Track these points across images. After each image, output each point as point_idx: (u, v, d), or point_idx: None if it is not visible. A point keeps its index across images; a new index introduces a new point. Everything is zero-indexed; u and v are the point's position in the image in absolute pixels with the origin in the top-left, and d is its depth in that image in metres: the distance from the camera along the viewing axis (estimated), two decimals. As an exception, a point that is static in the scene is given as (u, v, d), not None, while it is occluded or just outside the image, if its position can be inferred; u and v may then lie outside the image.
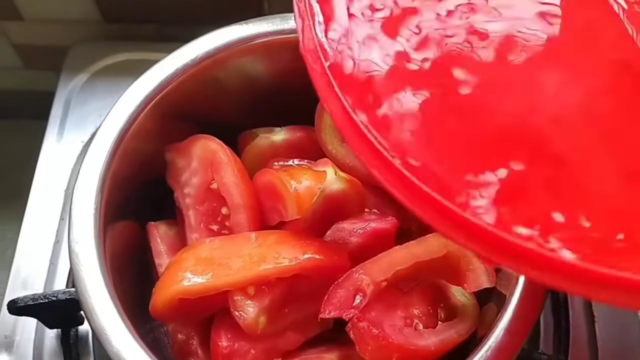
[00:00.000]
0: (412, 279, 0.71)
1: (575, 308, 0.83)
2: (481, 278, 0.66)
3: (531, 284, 0.60)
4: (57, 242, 0.87)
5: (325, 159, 0.74)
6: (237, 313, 0.64)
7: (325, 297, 0.66)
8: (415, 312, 0.69)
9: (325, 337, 0.70)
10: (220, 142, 0.72)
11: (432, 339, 0.67)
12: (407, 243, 0.69)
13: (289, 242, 0.67)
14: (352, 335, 0.64)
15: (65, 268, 0.85)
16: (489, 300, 0.71)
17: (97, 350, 0.79)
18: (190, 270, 0.64)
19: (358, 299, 0.66)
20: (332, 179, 0.69)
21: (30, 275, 0.85)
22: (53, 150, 0.96)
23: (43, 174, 0.94)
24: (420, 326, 0.68)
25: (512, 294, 0.61)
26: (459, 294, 0.72)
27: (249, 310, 0.64)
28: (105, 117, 0.68)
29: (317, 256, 0.65)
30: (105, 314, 0.59)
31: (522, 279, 0.61)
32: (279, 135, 0.78)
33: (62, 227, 0.89)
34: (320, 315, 0.65)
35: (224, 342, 0.66)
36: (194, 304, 0.64)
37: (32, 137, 1.03)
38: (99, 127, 0.68)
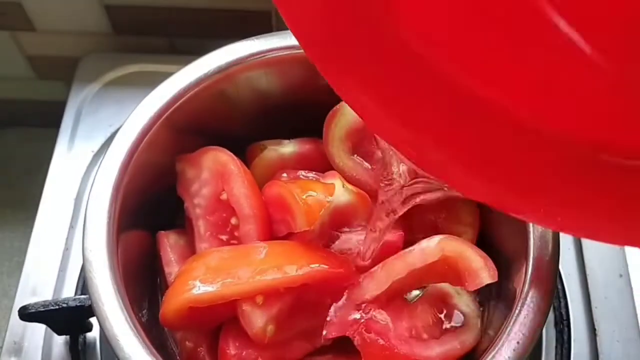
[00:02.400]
0: (412, 287, 0.73)
1: (577, 322, 0.84)
2: (482, 275, 0.67)
3: (534, 297, 0.61)
4: (67, 250, 0.89)
5: (333, 171, 0.75)
6: (245, 322, 0.65)
7: (327, 317, 0.67)
8: (420, 323, 0.70)
9: (332, 346, 0.71)
10: (231, 153, 0.73)
11: (436, 350, 0.68)
12: (401, 252, 0.69)
13: (297, 253, 0.68)
14: (358, 346, 0.65)
15: (74, 275, 0.86)
16: (493, 313, 0.73)
17: (104, 356, 0.81)
18: (200, 279, 0.65)
19: (358, 316, 0.67)
20: (340, 192, 0.71)
21: (40, 282, 0.86)
22: (63, 159, 0.98)
23: (53, 182, 0.96)
24: (425, 336, 0.69)
25: (515, 307, 0.62)
26: (463, 305, 0.73)
27: (257, 319, 0.65)
28: (119, 129, 0.70)
29: (325, 267, 0.66)
30: (117, 321, 0.60)
31: (521, 301, 0.62)
32: (288, 148, 0.79)
33: (71, 235, 0.90)
34: (324, 336, 0.66)
35: (232, 350, 0.67)
36: (203, 312, 0.65)
37: (43, 146, 1.05)
38: (113, 138, 0.69)
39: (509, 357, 0.59)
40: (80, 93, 1.03)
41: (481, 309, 0.75)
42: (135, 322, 0.60)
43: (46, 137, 1.04)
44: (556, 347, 0.82)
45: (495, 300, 0.74)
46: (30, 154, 1.24)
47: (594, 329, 0.84)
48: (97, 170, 0.67)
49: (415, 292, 0.76)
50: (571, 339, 0.83)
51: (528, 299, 0.62)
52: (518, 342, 0.59)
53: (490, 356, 0.59)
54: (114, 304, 0.61)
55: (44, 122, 1.17)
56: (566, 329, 0.83)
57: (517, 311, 0.61)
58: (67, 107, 1.02)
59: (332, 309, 0.67)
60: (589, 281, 0.87)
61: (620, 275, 0.88)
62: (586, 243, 0.90)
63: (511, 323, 0.61)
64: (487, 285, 0.72)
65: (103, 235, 0.64)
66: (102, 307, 0.60)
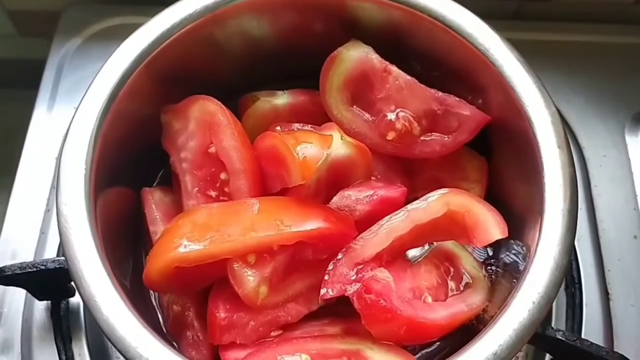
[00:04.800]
0: (415, 245, 0.68)
1: (589, 285, 0.80)
2: (491, 230, 0.62)
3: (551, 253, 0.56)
4: (48, 211, 0.84)
5: (330, 123, 0.70)
6: (236, 282, 0.61)
7: (325, 276, 0.62)
8: (424, 283, 0.66)
9: (329, 310, 0.66)
10: (219, 103, 0.68)
11: (442, 312, 0.63)
12: (403, 207, 0.65)
13: (292, 209, 0.63)
14: (357, 307, 0.61)
15: (56, 238, 0.81)
16: (503, 275, 0.68)
17: (88, 323, 0.76)
18: (186, 237, 0.61)
19: (360, 274, 0.63)
20: (338, 144, 0.65)
21: (20, 245, 0.82)
22: (44, 118, 0.92)
23: (33, 142, 0.91)
24: (429, 299, 0.65)
25: (527, 269, 0.57)
26: (469, 266, 0.69)
27: (248, 280, 0.61)
28: (96, 75, 0.64)
29: (323, 224, 0.62)
30: (94, 279, 0.55)
31: (536, 257, 0.57)
32: (282, 99, 0.74)
33: (53, 195, 0.84)
34: (321, 296, 0.62)
35: (221, 313, 0.62)
36: (190, 272, 0.61)
37: (23, 107, 0.99)
38: (90, 85, 0.64)
39: (523, 319, 0.54)
40: (61, 48, 0.97)
41: (490, 269, 0.70)
42: (115, 281, 0.55)
43: (27, 98, 0.98)
44: (567, 311, 0.78)
45: (506, 260, 0.69)
46: (9, 116, 1.18)
47: (607, 293, 0.79)
48: (73, 117, 0.61)
49: (418, 252, 0.72)
50: (583, 303, 0.78)
51: (543, 255, 0.57)
52: (533, 302, 0.54)
53: (503, 317, 0.54)
54: (91, 262, 0.56)
55: (26, 83, 1.11)
56: (578, 292, 0.78)
57: (531, 269, 0.56)
58: (47, 63, 0.97)
59: (329, 268, 0.63)
60: (602, 243, 0.82)
61: (635, 237, 0.83)
62: (598, 202, 0.85)
63: (525, 281, 0.56)
64: (497, 243, 0.68)
65: (80, 187, 0.59)
66: (78, 264, 0.55)
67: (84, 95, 0.63)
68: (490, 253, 0.72)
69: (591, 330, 0.77)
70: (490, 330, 0.54)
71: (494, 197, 0.71)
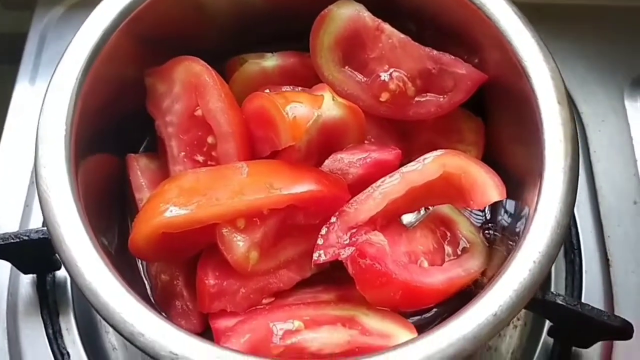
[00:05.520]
0: (410, 209, 0.66)
1: (588, 251, 0.78)
2: (489, 192, 0.60)
3: (551, 211, 0.54)
4: (32, 184, 0.81)
5: (322, 84, 0.68)
6: (225, 248, 0.59)
7: (318, 239, 0.61)
8: (420, 248, 0.64)
9: (323, 276, 0.64)
10: (205, 64, 0.65)
11: (439, 277, 0.62)
12: (398, 170, 0.63)
13: (283, 172, 0.61)
14: (351, 272, 0.59)
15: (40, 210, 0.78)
16: (502, 239, 0.66)
17: (76, 296, 0.74)
18: (173, 202, 0.58)
19: (353, 237, 0.61)
20: (329, 105, 0.63)
21: (3, 218, 0.79)
22: (26, 91, 0.90)
23: (16, 115, 0.88)
24: (425, 263, 0.63)
25: (527, 229, 0.55)
26: (466, 230, 0.67)
27: (238, 245, 0.59)
28: (75, 35, 0.62)
29: (315, 187, 0.60)
30: (76, 244, 0.53)
31: (536, 216, 0.55)
32: (271, 61, 0.72)
33: (37, 167, 0.82)
34: (314, 260, 0.60)
35: (211, 280, 0.60)
36: (177, 239, 0.59)
37: (5, 82, 0.96)
38: (68, 45, 0.61)
39: (524, 279, 0.52)
40: (43, 18, 0.94)
41: (488, 233, 0.68)
42: (98, 246, 0.53)
43: (11, 73, 0.96)
44: (566, 278, 0.76)
45: (503, 223, 0.67)
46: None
47: (607, 259, 0.77)
48: (51, 77, 0.58)
49: (414, 218, 0.70)
50: (582, 269, 0.76)
51: (544, 214, 0.55)
52: (534, 262, 0.52)
53: (502, 278, 0.52)
54: (72, 226, 0.53)
55: (10, 58, 1.08)
56: (577, 259, 0.76)
57: (531, 228, 0.54)
58: (29, 34, 0.94)
59: (322, 232, 0.61)
60: (601, 209, 0.80)
61: (635, 203, 0.81)
62: (597, 167, 0.83)
63: (525, 240, 0.54)
64: (495, 206, 0.66)
65: (60, 149, 0.56)
66: (58, 228, 0.53)
67: (62, 54, 0.60)
68: (488, 216, 0.70)
69: (591, 297, 0.75)
70: (490, 291, 0.52)
71: (490, 159, 0.69)
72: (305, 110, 0.60)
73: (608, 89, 0.89)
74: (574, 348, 0.72)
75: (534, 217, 0.54)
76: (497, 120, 0.69)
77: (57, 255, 0.53)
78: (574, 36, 0.91)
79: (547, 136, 0.58)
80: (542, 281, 0.52)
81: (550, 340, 0.72)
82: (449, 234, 0.67)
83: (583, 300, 0.75)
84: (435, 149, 0.65)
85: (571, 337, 0.70)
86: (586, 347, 0.70)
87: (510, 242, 0.63)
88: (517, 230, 0.61)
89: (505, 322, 0.51)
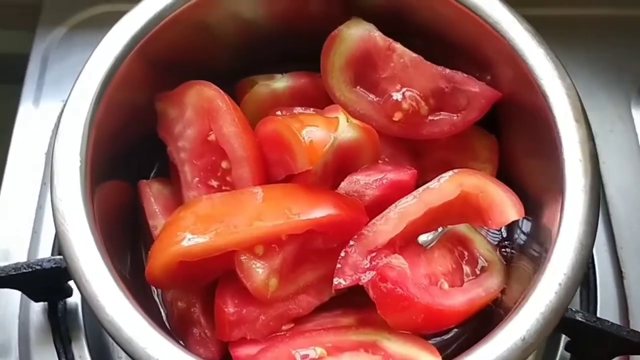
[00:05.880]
0: (428, 229, 0.66)
1: (602, 265, 0.77)
2: (507, 211, 0.60)
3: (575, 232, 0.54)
4: (40, 208, 0.80)
5: (334, 105, 0.67)
6: (244, 275, 0.58)
7: (337, 265, 0.60)
8: (439, 269, 0.63)
9: (341, 300, 0.63)
10: (217, 88, 0.65)
11: (459, 298, 0.61)
12: (415, 191, 0.62)
13: (300, 196, 0.60)
14: (372, 297, 0.58)
15: (49, 236, 0.78)
16: (520, 257, 0.66)
17: (88, 323, 0.73)
18: (190, 230, 0.58)
19: (373, 261, 0.60)
20: (344, 127, 0.62)
21: (12, 245, 0.78)
22: (31, 111, 0.89)
23: (21, 138, 0.87)
24: (446, 285, 0.62)
25: (550, 250, 0.54)
26: (483, 249, 0.67)
27: (257, 272, 0.58)
28: (86, 62, 0.61)
29: (334, 210, 0.59)
30: (96, 278, 0.52)
31: (559, 238, 0.54)
32: (281, 82, 0.71)
33: (44, 192, 0.81)
34: (334, 286, 0.59)
35: (230, 308, 0.59)
36: (195, 267, 0.58)
37: (8, 103, 0.95)
38: (80, 73, 0.60)
39: (550, 302, 0.51)
40: (45, 38, 0.93)
41: (505, 251, 0.68)
42: (118, 279, 0.52)
43: (13, 94, 0.94)
44: (581, 292, 0.75)
45: (520, 241, 0.67)
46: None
47: (621, 272, 0.77)
48: (64, 107, 0.58)
49: (429, 237, 0.70)
50: (597, 283, 0.76)
51: (567, 235, 0.54)
52: (560, 284, 0.52)
53: (528, 301, 0.52)
54: (91, 259, 0.53)
55: (11, 79, 1.07)
56: (592, 272, 0.76)
57: (555, 249, 0.54)
58: (31, 55, 0.93)
59: (341, 257, 0.60)
60: (612, 220, 0.80)
61: (647, 212, 0.81)
62: (607, 178, 0.82)
63: (550, 263, 0.53)
64: (511, 224, 0.65)
65: (76, 181, 0.55)
66: (78, 262, 0.52)
67: (75, 83, 0.60)
68: (504, 235, 0.70)
69: (606, 310, 0.75)
70: (516, 315, 0.51)
71: (505, 176, 0.69)
72: (321, 134, 0.60)
73: (615, 98, 0.89)
74: (591, 363, 0.71)
75: (557, 239, 0.54)
76: (511, 137, 0.69)
77: (71, 284, 0.52)
78: (579, 46, 0.91)
79: (567, 155, 0.57)
80: (568, 303, 0.52)
81: (567, 354, 0.71)
82: (466, 253, 0.66)
83: (599, 313, 0.74)
84: (449, 167, 0.65)
85: (588, 352, 0.70)
86: (604, 361, 0.70)
87: (530, 261, 0.62)
88: (537, 249, 0.61)
89: (533, 346, 0.50)
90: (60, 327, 0.72)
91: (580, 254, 0.53)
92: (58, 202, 0.54)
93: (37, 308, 0.74)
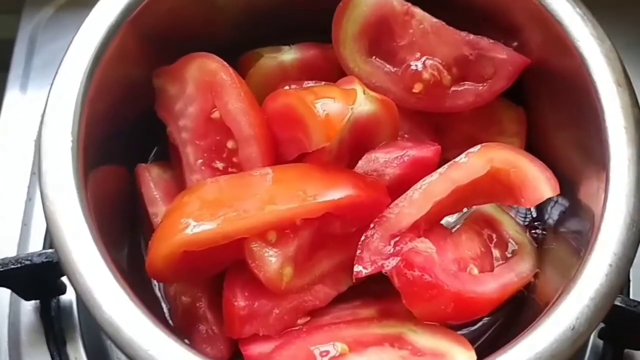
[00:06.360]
0: (454, 210, 0.61)
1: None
2: (541, 188, 0.56)
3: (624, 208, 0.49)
4: (29, 200, 0.76)
5: (347, 77, 0.62)
6: (256, 265, 0.53)
7: (357, 250, 0.55)
8: (468, 253, 0.59)
9: (359, 289, 0.59)
10: (221, 60, 0.60)
11: (492, 285, 0.57)
12: (441, 168, 0.58)
13: (315, 177, 0.55)
14: (397, 285, 0.53)
15: (40, 229, 0.73)
16: (553, 238, 0.61)
17: (83, 322, 0.68)
18: (194, 216, 0.53)
19: (397, 246, 0.55)
20: (361, 99, 0.57)
21: (1, 239, 0.73)
22: (18, 98, 0.84)
23: (8, 126, 0.82)
24: (475, 270, 0.57)
25: (596, 230, 0.49)
26: (512, 230, 0.62)
27: (270, 261, 0.53)
28: (75, 35, 0.56)
29: (353, 191, 0.54)
30: (92, 272, 0.47)
31: (606, 214, 0.49)
32: (289, 55, 0.66)
33: (33, 182, 0.77)
34: (355, 274, 0.54)
35: (240, 301, 0.54)
36: (201, 257, 0.53)
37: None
38: (69, 46, 0.55)
39: (600, 285, 0.46)
40: (31, 20, 0.88)
41: (535, 232, 0.63)
42: (116, 273, 0.47)
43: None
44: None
45: (551, 221, 0.62)
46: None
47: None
48: (52, 82, 0.52)
49: (453, 219, 0.65)
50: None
51: (615, 211, 0.49)
52: (610, 265, 0.47)
53: (576, 286, 0.47)
54: (86, 252, 0.47)
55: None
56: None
57: (602, 227, 0.49)
58: (18, 37, 0.88)
59: (361, 242, 0.55)
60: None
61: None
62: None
63: (597, 242, 0.48)
64: (542, 203, 0.60)
65: (68, 165, 0.50)
66: (71, 255, 0.47)
67: (63, 57, 0.55)
68: (534, 214, 0.65)
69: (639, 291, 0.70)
70: (563, 301, 0.46)
71: (533, 151, 0.63)
72: (338, 106, 0.55)
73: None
74: (626, 350, 0.67)
75: (604, 215, 0.49)
76: (541, 109, 0.64)
77: (65, 280, 0.47)
78: (621, 7, 0.84)
79: (609, 123, 0.52)
80: (621, 286, 0.47)
81: (600, 342, 0.67)
82: (494, 235, 0.62)
83: (631, 295, 0.70)
84: (473, 143, 0.60)
85: (624, 339, 0.65)
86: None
87: (567, 242, 0.57)
88: (575, 228, 0.56)
89: (584, 336, 0.45)
90: (54, 328, 0.68)
91: (630, 231, 0.48)
92: (48, 189, 0.49)
93: (28, 307, 0.69)
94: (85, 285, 0.46)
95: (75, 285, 0.46)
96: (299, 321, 0.56)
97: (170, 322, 0.62)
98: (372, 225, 0.56)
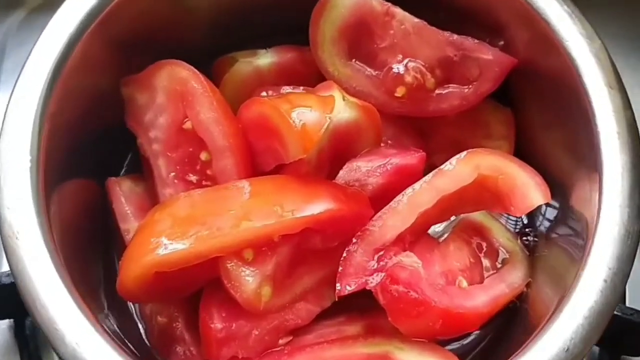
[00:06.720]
0: (439, 220, 0.59)
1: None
2: (532, 195, 0.53)
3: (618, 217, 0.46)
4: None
5: (328, 81, 0.60)
6: (232, 285, 0.50)
7: (339, 267, 0.52)
8: (456, 264, 0.56)
9: (343, 304, 0.56)
10: (192, 68, 0.57)
11: (482, 298, 0.54)
12: (426, 176, 0.55)
13: (293, 190, 0.53)
14: (382, 302, 0.51)
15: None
16: (545, 246, 0.58)
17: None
18: (166, 235, 0.50)
19: (381, 261, 0.52)
20: (340, 106, 0.55)
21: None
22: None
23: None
24: (464, 283, 0.55)
25: (590, 240, 0.47)
26: (503, 238, 0.60)
27: (247, 281, 0.51)
28: (35, 43, 0.53)
29: (333, 205, 0.52)
30: (54, 302, 0.44)
31: (600, 225, 0.47)
32: (265, 59, 0.64)
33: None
34: (337, 294, 0.52)
35: (217, 323, 0.52)
36: (174, 277, 0.51)
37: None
38: (28, 55, 0.52)
39: (595, 302, 0.44)
40: (2, 24, 0.85)
41: (526, 239, 0.61)
42: (81, 302, 0.44)
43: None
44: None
45: (542, 228, 0.60)
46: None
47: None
48: (10, 98, 0.49)
49: (440, 227, 0.62)
50: None
51: (609, 221, 0.47)
52: (605, 280, 0.44)
53: (569, 303, 0.44)
54: (48, 280, 0.45)
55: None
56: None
57: (595, 239, 0.46)
58: (-14, 42, 0.85)
59: (344, 257, 0.52)
60: None
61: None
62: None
63: (590, 256, 0.46)
64: (535, 211, 0.57)
65: (26, 185, 0.47)
66: (30, 284, 0.44)
67: (22, 69, 0.52)
68: (525, 221, 0.63)
69: (635, 299, 0.68)
70: (556, 321, 0.44)
71: (522, 155, 0.61)
72: (315, 115, 0.52)
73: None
74: (622, 356, 0.65)
75: (597, 227, 0.46)
76: (530, 110, 0.62)
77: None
78: (614, 6, 0.81)
79: (602, 128, 0.50)
80: (617, 303, 0.44)
81: (596, 348, 0.65)
82: (484, 244, 0.59)
83: (627, 304, 0.67)
84: (459, 147, 0.58)
85: (621, 345, 0.63)
86: (637, 354, 0.64)
87: (560, 249, 0.55)
88: (568, 235, 0.54)
89: (579, 357, 0.43)
90: (29, 346, 0.66)
91: (625, 244, 0.46)
92: (5, 211, 0.46)
93: (2, 326, 0.67)
94: (46, 316, 0.43)
95: (36, 317, 0.44)
96: (281, 341, 0.54)
97: (146, 342, 0.59)
98: (354, 240, 0.53)
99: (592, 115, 0.50)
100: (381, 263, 0.52)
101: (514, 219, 0.63)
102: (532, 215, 0.62)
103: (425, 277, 0.51)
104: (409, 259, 0.52)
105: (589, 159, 0.51)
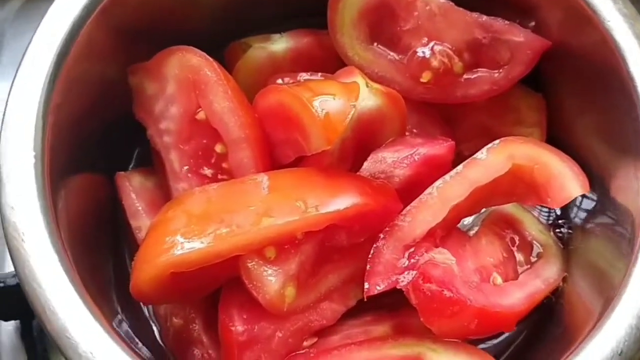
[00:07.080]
0: (471, 213, 0.56)
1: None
2: (569, 186, 0.50)
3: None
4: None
5: (349, 67, 0.57)
6: (253, 285, 0.48)
7: (367, 265, 0.50)
8: (489, 260, 0.54)
9: (370, 302, 0.53)
10: (203, 54, 0.54)
11: (518, 295, 0.52)
12: (457, 167, 0.52)
13: (316, 184, 0.50)
14: (414, 302, 0.48)
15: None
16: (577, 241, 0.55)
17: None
18: (182, 233, 0.48)
19: (412, 258, 0.49)
20: (364, 93, 0.52)
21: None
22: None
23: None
24: (499, 279, 0.52)
25: (638, 232, 0.44)
26: (535, 231, 0.57)
27: (270, 281, 0.48)
28: (37, 29, 0.51)
29: (359, 199, 0.49)
30: (65, 308, 0.42)
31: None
32: (280, 44, 0.62)
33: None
34: (366, 293, 0.49)
35: (238, 326, 0.49)
36: (191, 277, 0.48)
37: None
38: (29, 44, 0.50)
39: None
40: (0, 11, 0.83)
41: (560, 231, 0.58)
42: (92, 306, 0.42)
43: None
44: None
45: (582, 220, 0.57)
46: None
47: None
48: (10, 89, 0.47)
49: (469, 220, 0.59)
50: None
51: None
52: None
53: (620, 304, 0.41)
54: (55, 283, 0.42)
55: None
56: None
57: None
58: (-17, 32, 0.83)
59: (372, 254, 0.50)
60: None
61: None
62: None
63: (640, 249, 0.42)
64: (570, 202, 0.55)
65: (30, 182, 0.45)
66: (38, 289, 0.41)
67: (22, 58, 0.49)
68: (558, 212, 0.60)
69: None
70: (607, 321, 0.41)
71: (555, 143, 0.58)
72: (339, 104, 0.49)
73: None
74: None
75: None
76: (563, 95, 0.59)
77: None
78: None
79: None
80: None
81: None
82: (517, 237, 0.57)
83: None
84: (488, 134, 0.56)
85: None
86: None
87: (598, 241, 0.52)
88: (607, 226, 0.51)
89: (633, 361, 0.40)
90: (36, 348, 0.65)
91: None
92: (9, 211, 0.43)
93: (8, 328, 0.66)
94: (57, 322, 0.41)
95: (44, 322, 0.41)
96: (305, 343, 0.52)
97: (161, 343, 0.57)
98: (382, 235, 0.50)
99: (637, 99, 0.48)
100: (412, 260, 0.49)
101: (547, 210, 0.60)
102: (566, 206, 0.59)
103: (459, 275, 0.49)
104: (442, 256, 0.49)
105: (634, 145, 0.48)
